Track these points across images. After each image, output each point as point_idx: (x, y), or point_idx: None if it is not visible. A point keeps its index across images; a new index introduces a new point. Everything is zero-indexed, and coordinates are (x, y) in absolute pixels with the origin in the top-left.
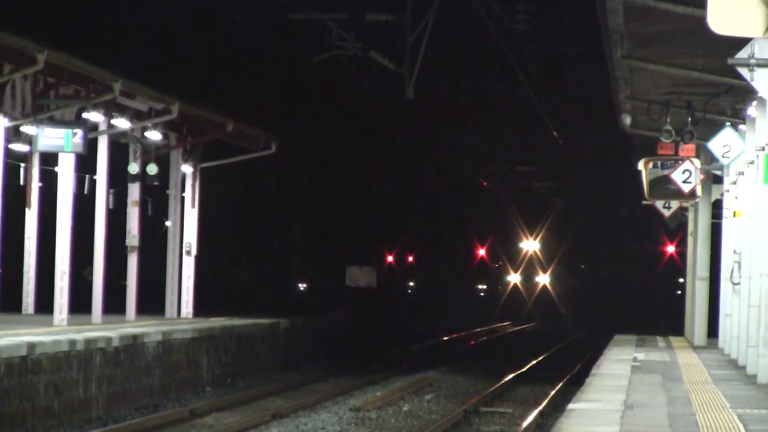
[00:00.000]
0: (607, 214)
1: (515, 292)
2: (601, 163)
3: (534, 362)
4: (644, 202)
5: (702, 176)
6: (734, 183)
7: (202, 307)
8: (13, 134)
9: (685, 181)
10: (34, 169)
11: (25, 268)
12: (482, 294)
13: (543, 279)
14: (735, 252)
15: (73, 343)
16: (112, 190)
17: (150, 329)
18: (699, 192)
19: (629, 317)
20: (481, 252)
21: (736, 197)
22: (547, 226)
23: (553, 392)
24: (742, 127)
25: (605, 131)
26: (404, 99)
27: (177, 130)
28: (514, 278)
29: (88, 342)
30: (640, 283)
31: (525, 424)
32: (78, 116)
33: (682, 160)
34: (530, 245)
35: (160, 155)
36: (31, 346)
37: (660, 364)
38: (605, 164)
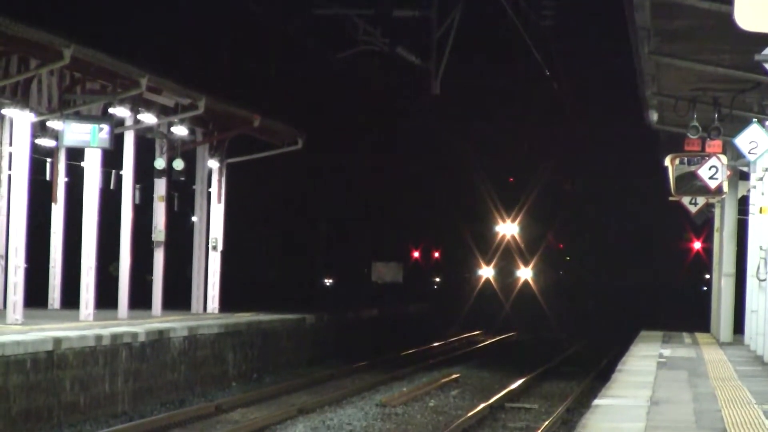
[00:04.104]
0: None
1: (488, 291)
2: (626, 158)
3: None
4: (671, 198)
5: (728, 172)
6: (761, 179)
7: (228, 303)
8: (40, 129)
9: (711, 178)
10: (61, 164)
11: (51, 263)
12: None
13: (525, 273)
14: (761, 248)
15: (99, 338)
16: (138, 186)
17: (176, 324)
18: (725, 188)
19: (642, 320)
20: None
21: (763, 193)
22: (529, 204)
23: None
24: None
25: (631, 126)
26: (431, 94)
27: (203, 125)
28: (486, 272)
29: (114, 337)
30: (661, 281)
31: (550, 419)
32: (104, 111)
33: (709, 156)
34: (508, 228)
35: (186, 150)
36: (57, 341)
37: (686, 361)
38: (630, 159)
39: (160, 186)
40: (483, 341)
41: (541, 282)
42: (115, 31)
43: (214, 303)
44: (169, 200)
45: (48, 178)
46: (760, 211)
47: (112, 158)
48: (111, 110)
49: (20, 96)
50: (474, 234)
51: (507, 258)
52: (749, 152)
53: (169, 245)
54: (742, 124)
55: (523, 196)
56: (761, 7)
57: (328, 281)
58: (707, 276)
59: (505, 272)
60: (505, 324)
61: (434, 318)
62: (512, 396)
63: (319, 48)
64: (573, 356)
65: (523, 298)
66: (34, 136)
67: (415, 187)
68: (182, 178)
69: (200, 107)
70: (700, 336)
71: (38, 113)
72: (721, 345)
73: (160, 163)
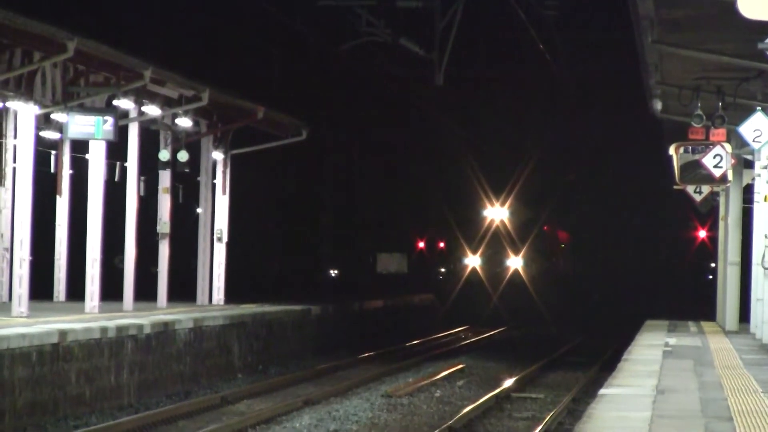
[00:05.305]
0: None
1: (475, 282)
2: (630, 147)
3: None
4: (675, 187)
5: (733, 161)
6: (765, 167)
7: (233, 294)
8: (44, 122)
9: (716, 166)
10: (65, 157)
11: (57, 256)
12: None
13: (515, 263)
14: (766, 237)
15: (104, 330)
16: (142, 178)
17: (181, 316)
18: (730, 177)
19: (647, 309)
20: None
21: (767, 182)
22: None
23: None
24: None
25: (635, 116)
26: (434, 85)
27: (207, 117)
28: (472, 261)
29: (120, 329)
30: (662, 270)
31: (557, 409)
32: (108, 103)
33: (713, 144)
34: (496, 213)
35: (190, 142)
36: (63, 333)
37: (692, 349)
38: (634, 147)
39: (165, 178)
40: (487, 332)
41: (533, 272)
42: (119, 24)
43: (219, 294)
44: (173, 192)
45: (53, 170)
46: (765, 200)
47: (116, 150)
48: (115, 102)
49: (24, 89)
50: (460, 220)
51: (495, 246)
52: (753, 140)
53: (174, 237)
54: (746, 112)
55: (514, 178)
56: None
57: (333, 272)
58: (712, 264)
59: (494, 261)
60: (495, 318)
61: (438, 309)
62: (518, 386)
63: (322, 39)
64: (576, 348)
65: (514, 290)
66: (38, 128)
67: (418, 177)
68: (187, 170)
69: (204, 99)
70: (706, 325)
71: (42, 106)
72: (727, 333)
73: (164, 155)
